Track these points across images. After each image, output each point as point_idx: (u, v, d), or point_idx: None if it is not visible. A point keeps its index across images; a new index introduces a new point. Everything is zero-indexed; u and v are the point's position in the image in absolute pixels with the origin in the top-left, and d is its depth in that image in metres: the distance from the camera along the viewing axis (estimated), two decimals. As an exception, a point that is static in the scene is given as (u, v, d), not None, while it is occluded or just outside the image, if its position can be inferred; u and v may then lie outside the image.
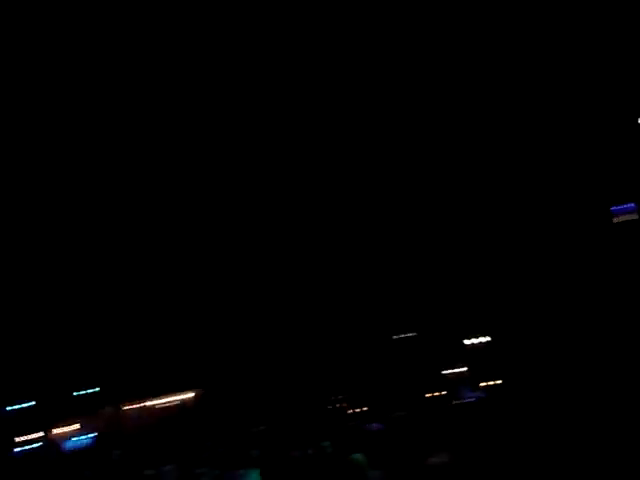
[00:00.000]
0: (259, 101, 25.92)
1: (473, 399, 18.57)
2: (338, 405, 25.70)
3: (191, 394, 29.85)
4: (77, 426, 27.42)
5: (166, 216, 25.29)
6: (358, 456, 7.31)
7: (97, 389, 27.87)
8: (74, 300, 25.31)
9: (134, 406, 28.96)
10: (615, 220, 21.64)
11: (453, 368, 23.91)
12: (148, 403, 29.22)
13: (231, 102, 26.15)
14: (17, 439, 26.64)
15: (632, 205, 21.57)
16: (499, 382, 22.52)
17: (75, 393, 27.11)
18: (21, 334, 24.66)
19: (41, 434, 27.24)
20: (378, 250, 24.92)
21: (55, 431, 27.11)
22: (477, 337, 23.57)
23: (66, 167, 24.09)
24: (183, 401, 29.99)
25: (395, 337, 24.78)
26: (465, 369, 24.04)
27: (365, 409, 23.53)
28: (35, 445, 27.07)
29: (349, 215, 25.54)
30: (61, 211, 24.43)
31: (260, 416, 22.38)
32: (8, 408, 26.95)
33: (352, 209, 25.45)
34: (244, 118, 26.31)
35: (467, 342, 23.56)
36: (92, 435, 26.86)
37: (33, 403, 26.83)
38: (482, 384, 22.78)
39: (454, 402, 20.32)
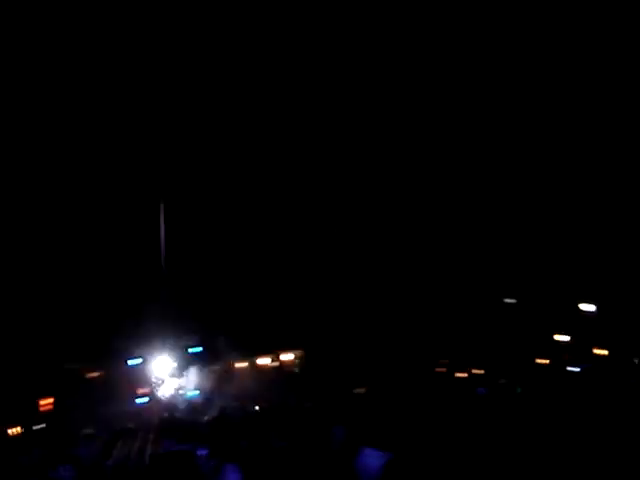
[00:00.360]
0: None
1: (580, 369, 17.98)
2: (444, 369, 25.54)
3: (294, 354, 30.39)
4: (185, 382, 28.51)
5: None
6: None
7: (201, 348, 28.82)
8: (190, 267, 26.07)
9: (240, 364, 29.79)
10: None
11: (562, 335, 23.33)
12: (253, 362, 29.98)
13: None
14: (135, 392, 28.03)
15: None
16: (606, 353, 21.80)
17: (189, 350, 28.15)
18: (138, 300, 25.66)
19: (150, 389, 28.55)
20: (491, 214, 24.41)
21: (166, 386, 28.31)
22: (588, 304, 22.86)
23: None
24: (286, 361, 30.58)
25: (506, 301, 24.32)
26: (572, 337, 23.41)
27: (472, 373, 23.28)
28: (147, 399, 28.38)
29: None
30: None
31: (364, 378, 22.48)
32: (129, 363, 28.34)
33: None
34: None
35: (581, 308, 22.81)
36: (200, 391, 27.85)
37: (145, 359, 28.10)
38: (591, 353, 22.13)
39: (561, 371, 19.81)
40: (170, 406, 24.29)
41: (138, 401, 27.81)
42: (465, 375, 23.72)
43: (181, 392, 27.96)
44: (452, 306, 25.50)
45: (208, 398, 25.50)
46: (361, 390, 21.09)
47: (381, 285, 25.60)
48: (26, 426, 23.16)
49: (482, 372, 23.19)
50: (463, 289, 25.34)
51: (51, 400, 27.41)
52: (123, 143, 24.92)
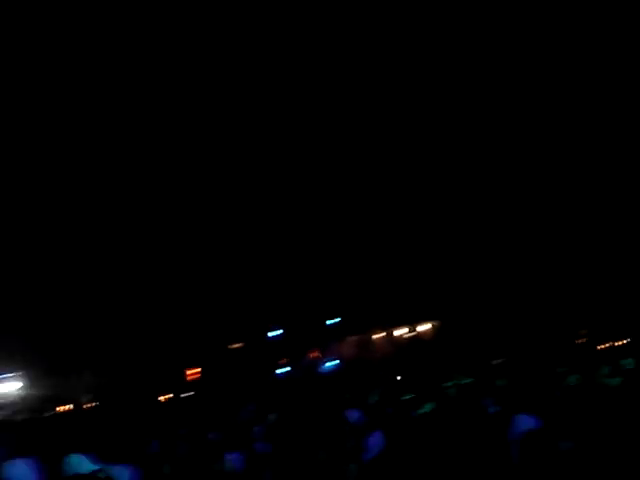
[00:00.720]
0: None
1: None
2: (584, 340, 24.59)
3: (430, 325, 30.29)
4: (325, 352, 29.07)
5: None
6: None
7: (339, 319, 29.24)
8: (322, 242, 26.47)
9: (376, 335, 30.04)
10: None
11: None
12: (390, 333, 30.15)
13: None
14: (276, 363, 28.95)
15: None
16: None
17: (327, 322, 28.69)
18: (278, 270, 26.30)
19: (294, 359, 29.33)
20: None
21: (306, 356, 29.01)
22: None
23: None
24: (422, 332, 30.53)
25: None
26: None
27: (614, 345, 22.20)
28: (288, 369, 29.19)
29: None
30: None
31: (501, 348, 22.03)
32: (269, 334, 29.29)
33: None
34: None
35: None
36: (338, 361, 28.31)
37: (286, 331, 28.88)
38: None
39: None
40: (311, 376, 24.84)
41: (279, 371, 28.73)
42: (607, 346, 22.62)
43: (321, 362, 28.57)
44: (593, 275, 24.46)
45: (347, 367, 25.86)
46: (499, 361, 20.71)
47: (520, 252, 24.94)
48: (176, 394, 24.54)
49: (625, 343, 21.91)
50: (608, 258, 24.24)
51: (198, 370, 28.86)
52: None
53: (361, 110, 25.16)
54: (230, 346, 30.18)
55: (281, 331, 29.17)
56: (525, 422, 3.87)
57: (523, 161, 24.42)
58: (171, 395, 24.43)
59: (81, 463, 3.61)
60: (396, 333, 30.11)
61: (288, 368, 29.02)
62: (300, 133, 25.45)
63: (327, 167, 25.57)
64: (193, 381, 28.11)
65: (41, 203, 25.12)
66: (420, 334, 30.33)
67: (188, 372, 28.67)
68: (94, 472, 3.20)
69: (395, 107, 25.11)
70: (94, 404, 23.91)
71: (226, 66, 24.79)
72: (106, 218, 25.87)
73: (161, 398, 23.75)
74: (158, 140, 25.14)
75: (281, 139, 25.44)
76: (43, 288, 25.96)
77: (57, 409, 21.37)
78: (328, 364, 28.28)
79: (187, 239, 26.33)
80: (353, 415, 6.03)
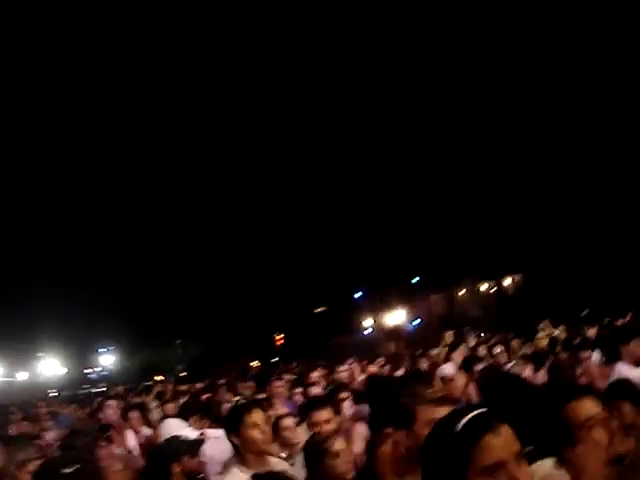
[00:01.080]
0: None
1: None
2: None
3: (512, 278, 29.91)
4: (406, 311, 29.20)
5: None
6: None
7: (418, 278, 29.26)
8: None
9: (458, 292, 29.93)
10: None
11: None
12: (473, 287, 29.95)
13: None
14: (360, 323, 29.36)
15: None
16: None
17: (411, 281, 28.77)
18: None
19: (372, 320, 29.64)
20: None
21: (390, 316, 29.23)
22: None
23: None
24: (506, 286, 30.20)
25: None
26: None
27: None
28: (370, 330, 29.50)
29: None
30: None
31: (586, 300, 21.51)
32: (355, 296, 29.71)
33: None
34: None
35: None
36: (418, 320, 28.40)
37: (368, 291, 29.16)
38: None
39: None
40: (394, 335, 25.03)
41: (364, 334, 29.02)
42: None
43: (404, 321, 28.74)
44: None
45: (428, 326, 25.89)
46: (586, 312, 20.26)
47: (602, 206, 24.16)
48: (264, 360, 25.21)
49: None
50: None
51: (282, 336, 29.56)
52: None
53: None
54: (315, 310, 30.72)
55: (363, 292, 29.45)
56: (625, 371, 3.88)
57: None
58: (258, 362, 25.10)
59: (179, 427, 3.90)
60: (481, 288, 29.96)
61: (371, 329, 29.32)
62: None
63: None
64: (279, 347, 28.83)
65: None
66: (503, 288, 30.05)
67: (277, 337, 29.39)
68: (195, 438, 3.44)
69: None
70: (187, 373, 24.84)
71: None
72: (198, 202, 26.80)
73: (252, 364, 24.44)
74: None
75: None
76: (138, 267, 27.10)
77: (154, 378, 22.38)
78: (412, 323, 28.40)
79: (271, 211, 26.92)
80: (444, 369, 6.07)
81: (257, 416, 2.93)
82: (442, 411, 1.72)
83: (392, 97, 25.34)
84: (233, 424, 2.93)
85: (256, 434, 2.88)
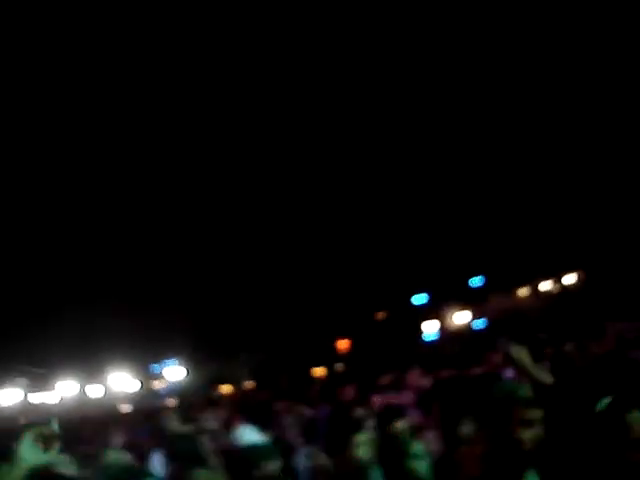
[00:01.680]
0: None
1: None
2: None
3: (574, 276, 29.35)
4: (470, 313, 28.98)
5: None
6: None
7: (482, 278, 28.97)
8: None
9: (520, 292, 29.53)
10: None
11: None
12: (534, 287, 29.50)
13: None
14: (421, 328, 29.19)
15: None
16: None
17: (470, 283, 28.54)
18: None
19: (438, 323, 29.41)
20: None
21: (449, 320, 29.04)
22: None
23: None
24: (567, 284, 29.65)
25: None
26: None
27: None
28: (434, 335, 29.30)
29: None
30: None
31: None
32: (414, 301, 29.51)
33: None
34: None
35: None
36: (484, 321, 28.12)
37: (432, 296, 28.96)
38: None
39: None
40: (458, 339, 24.90)
41: (427, 338, 28.84)
42: None
43: (470, 323, 28.59)
44: None
45: (494, 326, 25.70)
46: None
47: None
48: (329, 366, 25.33)
49: None
50: None
51: (348, 341, 29.59)
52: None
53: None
54: (376, 315, 30.70)
55: (426, 295, 29.25)
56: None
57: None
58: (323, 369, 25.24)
59: (251, 434, 4.11)
60: (541, 288, 29.50)
61: (436, 333, 29.17)
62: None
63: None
64: (344, 353, 28.90)
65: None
66: (566, 287, 29.51)
67: (339, 343, 29.46)
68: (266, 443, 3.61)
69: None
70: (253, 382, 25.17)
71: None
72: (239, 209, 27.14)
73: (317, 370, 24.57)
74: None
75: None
76: (200, 280, 27.61)
77: (220, 390, 22.76)
78: (477, 324, 28.20)
79: (325, 216, 27.09)
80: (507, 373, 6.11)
81: None
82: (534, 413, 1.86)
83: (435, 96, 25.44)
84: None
85: None
